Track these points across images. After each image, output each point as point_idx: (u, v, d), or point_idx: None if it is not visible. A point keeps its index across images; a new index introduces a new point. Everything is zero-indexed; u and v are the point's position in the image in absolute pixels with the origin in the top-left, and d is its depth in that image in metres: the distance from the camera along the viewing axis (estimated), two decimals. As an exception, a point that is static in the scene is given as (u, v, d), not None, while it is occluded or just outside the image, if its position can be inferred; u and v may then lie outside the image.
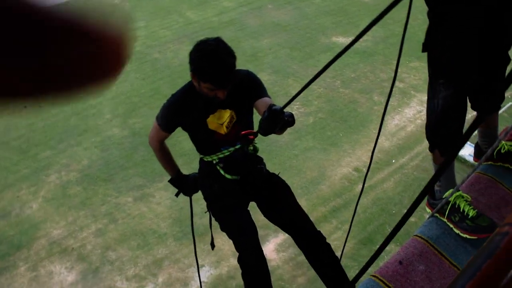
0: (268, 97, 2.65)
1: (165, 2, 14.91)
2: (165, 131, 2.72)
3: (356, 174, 8.45)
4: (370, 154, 9.36)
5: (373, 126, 9.37)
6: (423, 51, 2.41)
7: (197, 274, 6.82)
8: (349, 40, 11.01)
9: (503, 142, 2.54)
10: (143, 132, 9.54)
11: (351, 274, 6.53)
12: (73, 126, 9.77)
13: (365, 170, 8.52)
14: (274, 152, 8.64)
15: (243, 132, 2.34)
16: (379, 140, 10.00)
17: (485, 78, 2.41)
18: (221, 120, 2.59)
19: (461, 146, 0.84)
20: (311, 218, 2.81)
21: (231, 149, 2.67)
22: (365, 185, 8.44)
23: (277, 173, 2.93)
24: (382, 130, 10.15)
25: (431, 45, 2.35)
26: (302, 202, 7.78)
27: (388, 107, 10.01)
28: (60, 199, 8.05)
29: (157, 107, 9.94)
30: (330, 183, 8.29)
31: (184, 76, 11.23)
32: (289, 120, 2.23)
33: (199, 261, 6.98)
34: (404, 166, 8.68)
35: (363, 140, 9.15)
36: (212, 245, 3.14)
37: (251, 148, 2.67)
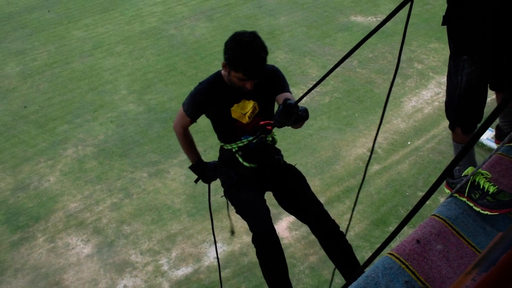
0: (289, 92, 2.73)
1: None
2: (190, 117, 2.80)
3: (371, 155, 8.39)
4: (385, 135, 9.30)
5: (390, 107, 9.28)
6: (443, 24, 2.34)
7: (209, 250, 6.94)
8: (367, 19, 10.85)
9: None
10: (158, 108, 9.59)
11: (363, 254, 6.59)
12: (90, 101, 9.86)
13: (380, 151, 8.51)
14: (289, 131, 8.63)
15: (261, 123, 2.44)
16: (395, 122, 9.88)
17: (505, 54, 2.36)
18: (244, 110, 2.70)
19: (489, 124, 0.83)
20: (325, 198, 2.87)
21: (250, 138, 2.75)
22: (380, 166, 8.42)
23: (294, 164, 3.01)
24: (398, 111, 10.03)
25: (453, 19, 2.28)
26: (316, 182, 7.81)
27: (406, 88, 9.89)
28: (77, 173, 8.18)
29: (173, 84, 9.96)
30: (344, 163, 8.27)
31: (200, 53, 11.22)
32: (303, 115, 2.31)
33: (212, 237, 7.09)
34: (419, 148, 8.61)
35: (379, 121, 9.06)
36: (232, 232, 3.26)
37: (270, 138, 2.76)
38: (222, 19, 12.66)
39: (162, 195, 7.75)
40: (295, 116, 2.20)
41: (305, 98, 10.53)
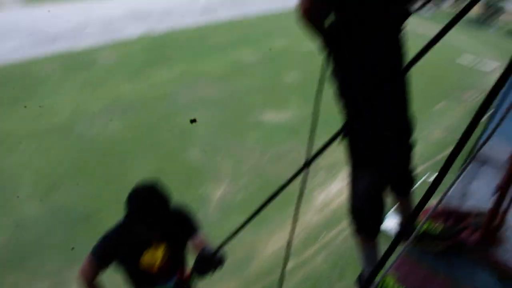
0: (201, 232, 2.84)
1: (96, 73, 14.80)
2: (100, 265, 2.65)
3: (287, 250, 8.36)
4: (299, 230, 9.36)
5: (303, 201, 9.47)
6: (342, 139, 2.47)
7: None
8: (278, 116, 11.33)
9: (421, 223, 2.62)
10: (63, 210, 8.97)
11: None
12: (-15, 203, 9.01)
13: (295, 247, 8.48)
14: (203, 229, 8.40)
15: (178, 276, 2.44)
16: (307, 216, 10.03)
17: (399, 160, 2.54)
18: (154, 260, 2.71)
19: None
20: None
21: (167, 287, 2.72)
22: (295, 262, 8.35)
23: None
24: (310, 206, 10.18)
25: (350, 134, 2.42)
26: (233, 283, 7.51)
27: (315, 183, 10.20)
28: (-38, 287, 7.19)
29: (81, 185, 9.37)
30: (261, 261, 8.12)
31: (112, 152, 10.92)
32: (222, 260, 2.50)
33: None
34: (332, 241, 8.74)
35: (293, 217, 9.17)
36: None
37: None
38: (137, 116, 12.64)
39: (63, 307, 6.99)
40: (214, 264, 2.30)
41: (217, 195, 10.38)
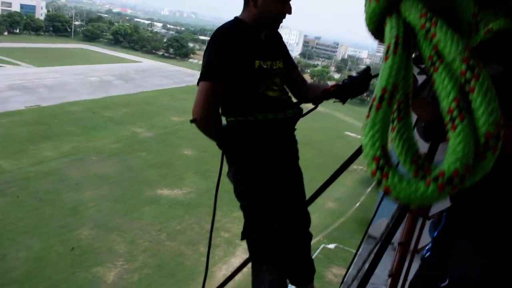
0: None
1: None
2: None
3: (186, 332, 7.95)
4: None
5: (202, 278, 9.20)
6: (242, 239, 2.50)
7: None
8: (174, 192, 11.37)
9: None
10: None
11: None
12: None
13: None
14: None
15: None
16: (208, 293, 9.68)
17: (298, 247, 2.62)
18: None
19: None
20: None
21: None
22: None
23: None
24: (211, 282, 10.14)
25: (250, 232, 2.47)
26: None
27: (215, 257, 10.20)
28: None
29: None
30: None
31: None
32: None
33: None
34: (235, 319, 8.51)
35: (192, 295, 8.84)
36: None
37: None
38: (20, 194, 11.69)
39: None
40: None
41: (112, 277, 9.86)
